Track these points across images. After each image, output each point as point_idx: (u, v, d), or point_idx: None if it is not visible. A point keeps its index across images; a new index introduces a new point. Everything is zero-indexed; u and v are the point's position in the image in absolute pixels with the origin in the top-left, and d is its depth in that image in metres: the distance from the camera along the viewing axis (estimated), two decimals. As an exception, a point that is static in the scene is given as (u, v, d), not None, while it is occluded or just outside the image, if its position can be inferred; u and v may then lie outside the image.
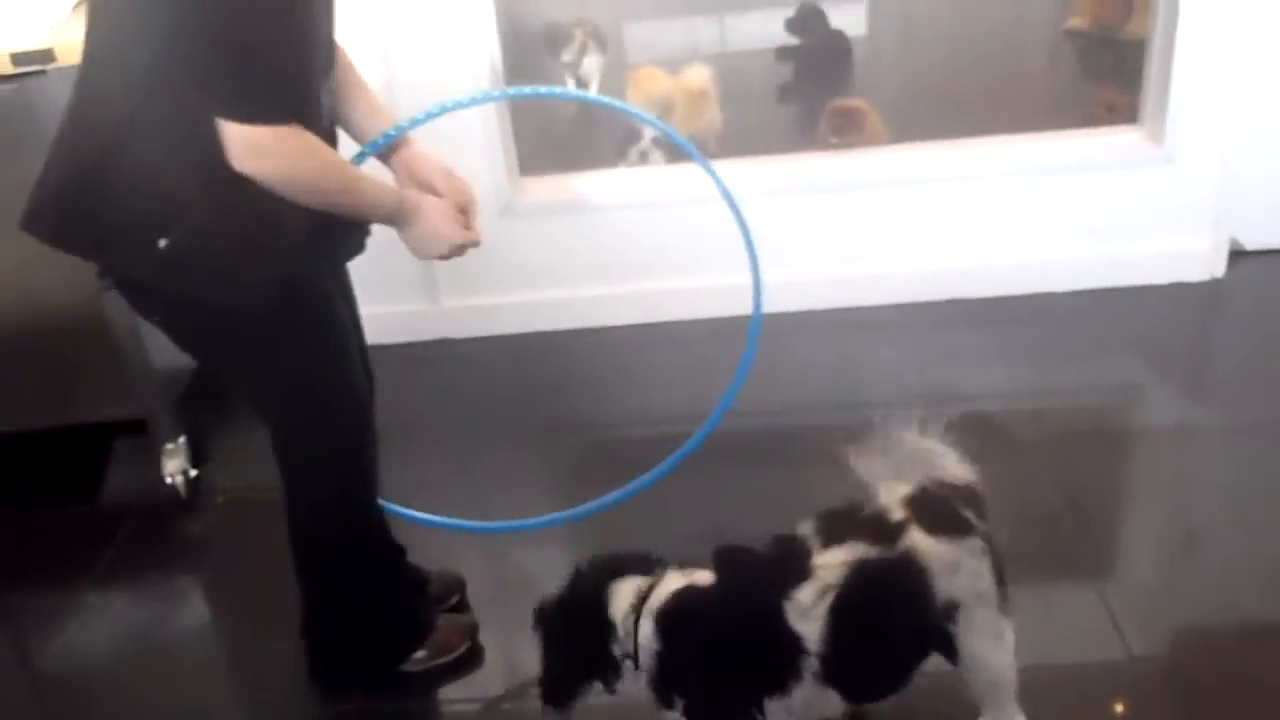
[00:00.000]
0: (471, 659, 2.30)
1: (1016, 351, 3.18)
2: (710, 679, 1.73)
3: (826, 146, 3.52)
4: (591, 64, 4.01)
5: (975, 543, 1.76)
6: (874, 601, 1.69)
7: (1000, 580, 1.78)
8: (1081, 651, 2.21)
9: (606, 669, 1.80)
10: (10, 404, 2.86)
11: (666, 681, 1.75)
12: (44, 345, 2.77)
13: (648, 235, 3.35)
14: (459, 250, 1.97)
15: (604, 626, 1.78)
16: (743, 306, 3.21)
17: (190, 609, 2.67)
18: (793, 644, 1.68)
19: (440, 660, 2.27)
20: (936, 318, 3.34)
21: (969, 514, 1.79)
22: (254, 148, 1.68)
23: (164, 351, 2.76)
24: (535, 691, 1.90)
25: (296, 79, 1.75)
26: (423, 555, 2.37)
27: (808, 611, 1.68)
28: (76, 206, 1.81)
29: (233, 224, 1.77)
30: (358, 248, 2.10)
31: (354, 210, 1.86)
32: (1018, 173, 3.32)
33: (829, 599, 1.68)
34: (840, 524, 1.78)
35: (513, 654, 2.32)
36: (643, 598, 1.77)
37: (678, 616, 1.74)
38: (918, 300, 3.39)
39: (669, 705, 1.77)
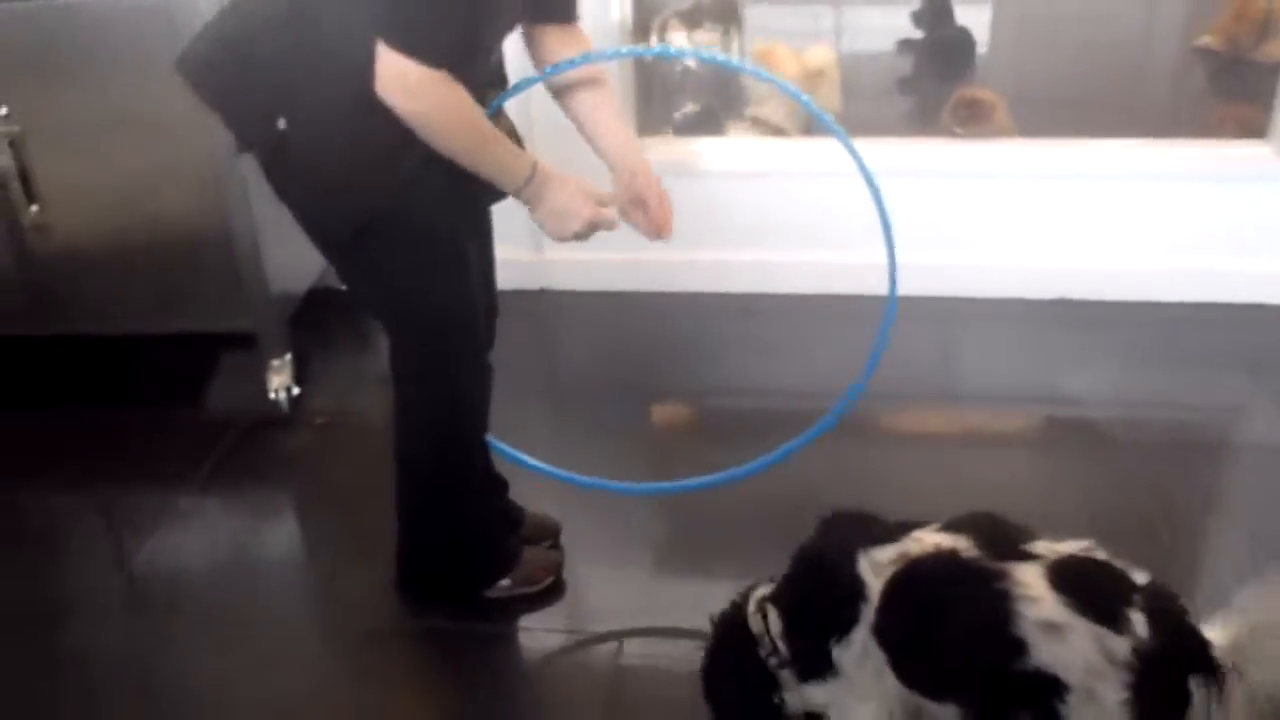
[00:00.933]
0: (553, 593, 2.35)
1: (1121, 357, 3.13)
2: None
3: (950, 135, 3.48)
4: (724, 42, 4.02)
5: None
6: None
7: None
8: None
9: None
10: (131, 307, 2.95)
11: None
12: (168, 253, 2.85)
13: (759, 205, 3.35)
14: (591, 229, 1.92)
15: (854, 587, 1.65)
16: (848, 285, 3.24)
17: (282, 522, 2.75)
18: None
19: (523, 590, 2.32)
20: (1042, 316, 3.30)
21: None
22: (400, 80, 1.72)
23: (280, 270, 2.88)
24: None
25: (466, 29, 1.78)
26: (523, 498, 2.44)
27: None
28: (224, 57, 1.87)
29: (351, 136, 1.82)
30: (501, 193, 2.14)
31: (479, 170, 1.86)
32: (1140, 176, 3.28)
33: None
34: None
35: (594, 594, 2.37)
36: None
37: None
38: (1024, 296, 3.35)
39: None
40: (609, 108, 2.07)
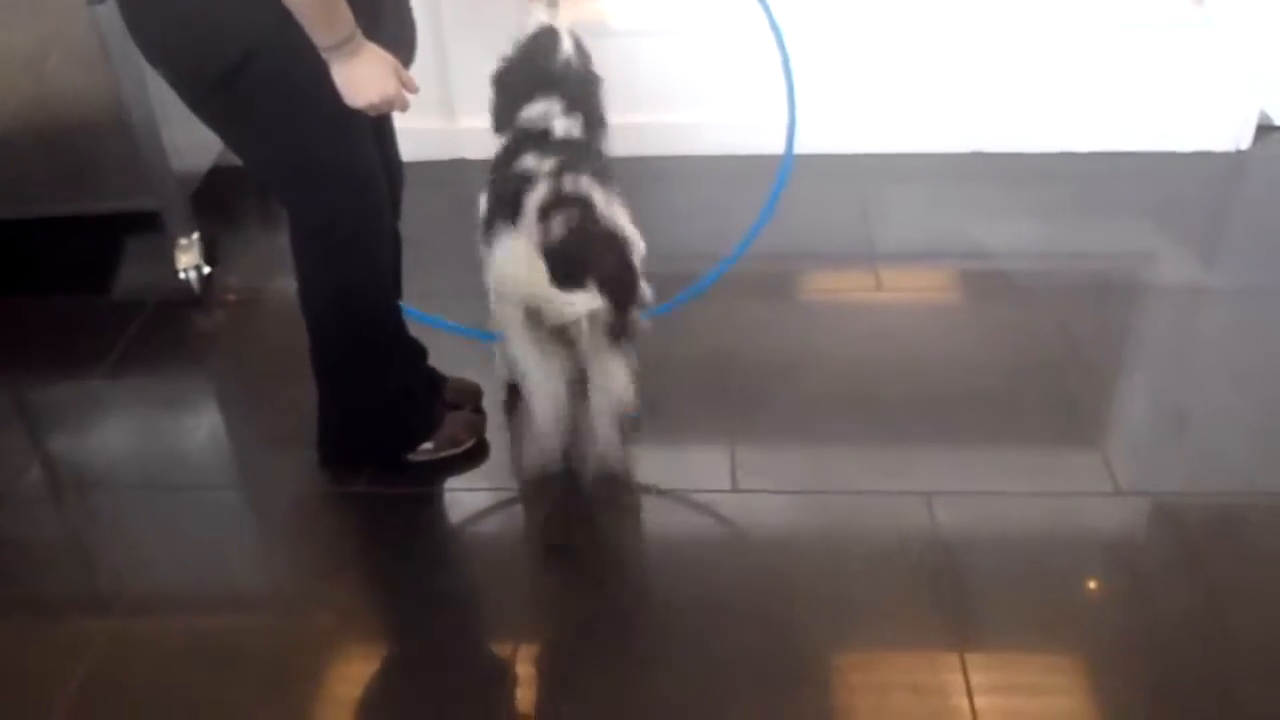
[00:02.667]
0: (476, 454, 2.36)
1: (1033, 208, 3.17)
2: None
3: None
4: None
5: None
6: None
7: None
8: (1072, 483, 2.26)
9: None
10: (27, 189, 2.85)
11: None
12: (60, 131, 2.74)
13: (671, 64, 3.30)
14: (387, 104, 1.90)
15: None
16: (762, 145, 3.22)
17: (200, 401, 2.70)
18: None
19: (446, 452, 2.33)
20: (957, 169, 3.32)
21: None
22: None
23: (181, 146, 2.79)
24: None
25: None
26: (442, 363, 2.43)
27: None
28: None
29: None
30: (406, 60, 2.06)
31: (310, 19, 1.78)
32: (1051, 24, 3.26)
33: None
34: None
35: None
36: None
37: None
38: (939, 151, 3.37)
39: None
40: None
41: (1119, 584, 2.07)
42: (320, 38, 1.80)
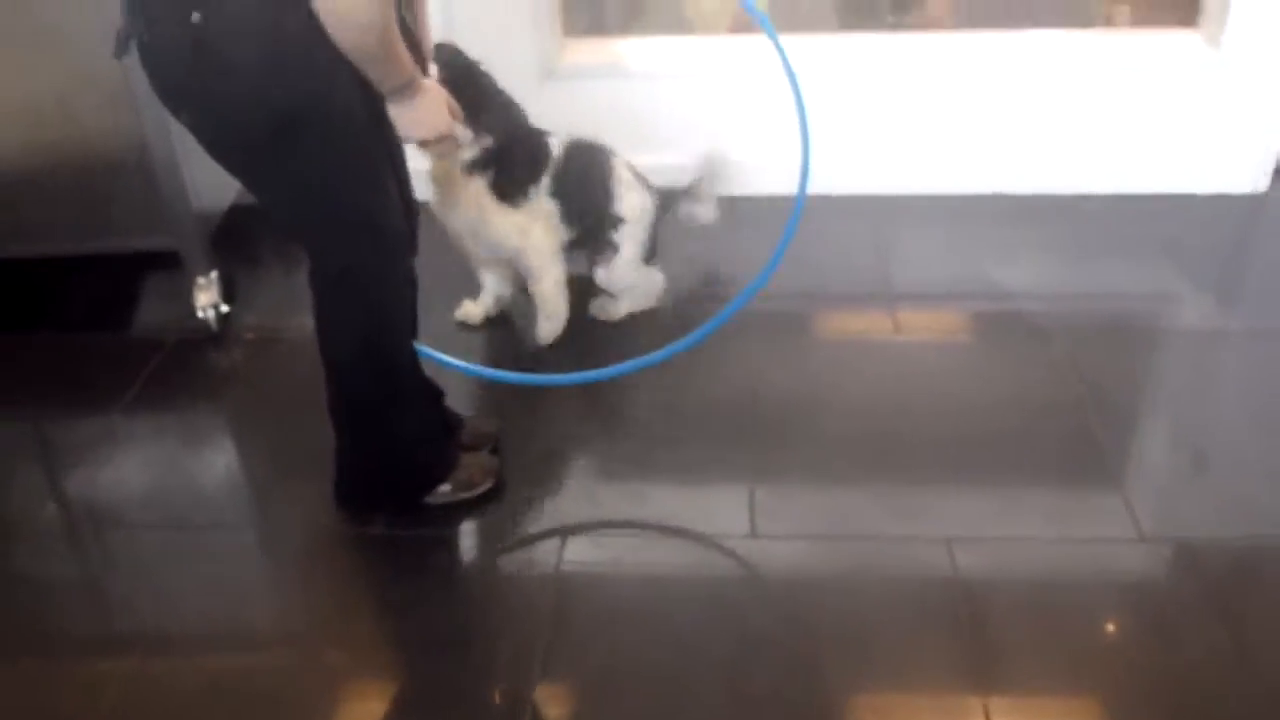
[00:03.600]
0: (492, 497, 2.35)
1: (1052, 249, 3.16)
2: None
3: (884, 26, 3.46)
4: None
5: None
6: None
7: None
8: (1094, 527, 2.25)
9: None
10: (50, 227, 2.87)
11: None
12: (83, 169, 2.77)
13: (690, 107, 3.31)
14: (441, 142, 2.02)
15: None
16: (780, 186, 3.22)
17: (217, 439, 2.70)
18: None
19: (463, 495, 2.32)
20: (975, 210, 3.32)
21: None
22: None
23: (200, 185, 2.81)
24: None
25: None
26: (459, 404, 2.45)
27: None
28: None
29: (269, 26, 1.75)
30: None
31: (377, 68, 1.83)
32: (1070, 68, 3.27)
33: None
34: None
35: (532, 496, 2.37)
36: None
37: None
38: (957, 192, 3.37)
39: None
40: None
41: (1142, 628, 2.04)
42: (383, 83, 1.86)
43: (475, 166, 2.59)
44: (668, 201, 2.92)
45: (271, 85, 1.81)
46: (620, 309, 2.93)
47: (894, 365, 2.75)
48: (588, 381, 2.48)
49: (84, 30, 2.51)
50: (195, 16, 1.74)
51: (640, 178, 2.87)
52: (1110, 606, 2.10)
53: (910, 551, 2.19)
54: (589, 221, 2.79)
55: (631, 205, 2.82)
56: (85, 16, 2.51)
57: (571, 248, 2.82)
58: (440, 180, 2.65)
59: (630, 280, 2.89)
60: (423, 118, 1.95)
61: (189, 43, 1.77)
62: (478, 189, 2.62)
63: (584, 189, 2.77)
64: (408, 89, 1.89)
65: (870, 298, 2.98)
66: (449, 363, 2.41)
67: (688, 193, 2.97)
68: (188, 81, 1.85)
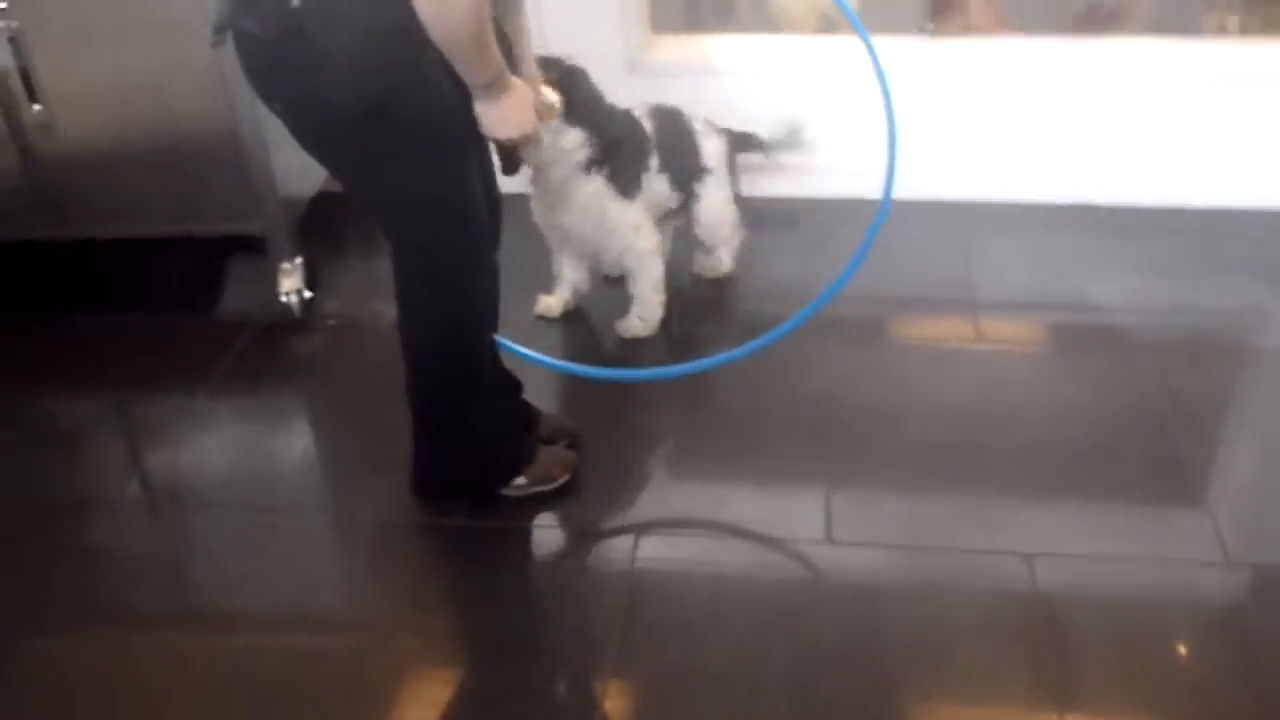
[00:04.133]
0: (569, 491, 2.35)
1: (1141, 263, 3.09)
2: None
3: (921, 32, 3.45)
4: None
5: None
6: None
7: None
8: (1179, 549, 2.19)
9: None
10: (138, 209, 2.92)
11: None
12: (175, 153, 2.82)
13: (775, 106, 3.28)
14: (525, 140, 2.01)
15: None
16: (865, 189, 3.19)
17: (297, 424, 2.75)
18: None
19: (539, 488, 2.33)
20: (1063, 220, 3.25)
21: None
22: None
23: (287, 171, 2.84)
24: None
25: None
26: (538, 398, 2.45)
27: None
28: None
29: (366, 10, 1.77)
30: None
31: (468, 60, 1.83)
32: (1164, 77, 3.20)
33: None
34: None
35: (609, 492, 2.37)
36: None
37: None
38: (1046, 201, 3.30)
39: None
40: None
41: (1226, 655, 1.99)
42: (473, 77, 1.86)
43: (591, 165, 2.62)
44: (739, 144, 3.01)
45: (364, 74, 1.82)
46: (724, 261, 3.02)
47: (976, 374, 2.71)
48: (668, 377, 2.49)
49: (180, 18, 2.56)
50: (295, 2, 1.76)
51: (709, 123, 2.93)
52: (1193, 630, 2.05)
53: (989, 565, 2.16)
54: (685, 180, 2.84)
55: (713, 151, 2.89)
56: (182, 5, 2.55)
57: (672, 216, 2.89)
58: (547, 182, 2.66)
59: (730, 221, 2.96)
60: (508, 115, 1.94)
61: (286, 29, 1.79)
62: (596, 188, 2.65)
63: (678, 153, 2.82)
64: (495, 86, 1.89)
65: (954, 304, 2.94)
66: (529, 356, 2.41)
67: (763, 143, 3.07)
68: (282, 69, 1.87)
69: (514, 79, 1.94)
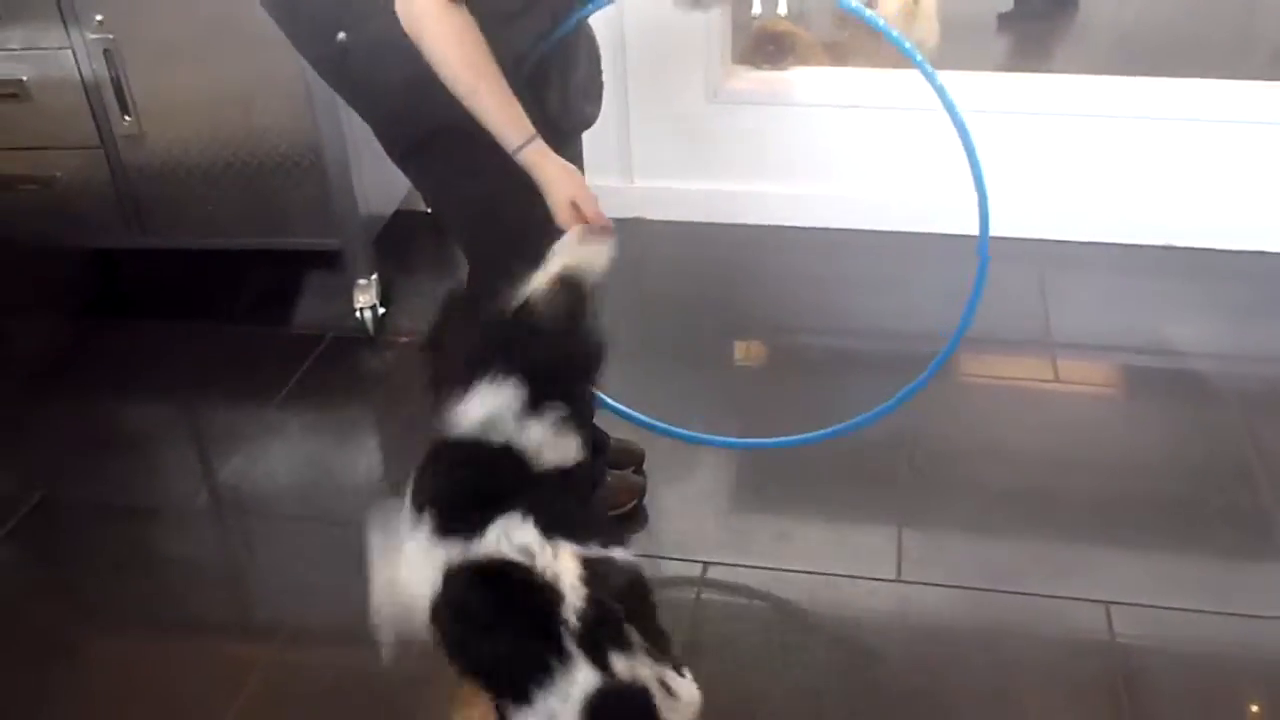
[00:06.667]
0: (635, 517, 2.34)
1: (1223, 307, 3.02)
2: None
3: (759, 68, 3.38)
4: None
5: None
6: None
7: None
8: (1263, 605, 2.13)
9: None
10: (222, 221, 2.97)
11: None
12: (259, 168, 2.86)
13: (853, 138, 3.27)
14: (584, 203, 1.79)
15: None
16: (933, 224, 3.17)
17: (365, 438, 2.77)
18: None
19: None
20: (1144, 262, 3.19)
21: None
22: (409, 7, 1.70)
23: (368, 189, 2.88)
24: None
25: None
26: (606, 423, 2.38)
27: None
28: None
29: (410, 51, 1.78)
30: (587, 120, 2.10)
31: (492, 122, 1.77)
32: (1249, 121, 3.13)
33: None
34: None
35: (675, 522, 2.36)
36: None
37: None
38: (1128, 241, 3.24)
39: None
40: None
41: (1308, 717, 1.93)
42: (504, 140, 1.79)
43: None
44: None
45: (411, 105, 1.84)
46: None
47: (1053, 416, 2.66)
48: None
49: (270, 34, 2.57)
50: (340, 35, 1.80)
51: None
52: (1270, 690, 1.98)
53: (1064, 611, 2.10)
54: None
55: None
56: (266, 19, 2.59)
57: None
58: None
59: None
60: (552, 179, 1.79)
61: (332, 60, 1.85)
62: None
63: None
64: (526, 148, 1.78)
65: (1031, 344, 2.89)
66: (614, 408, 2.35)
67: None
68: (343, 93, 1.94)
69: (546, 159, 1.80)
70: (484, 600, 1.46)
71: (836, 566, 2.23)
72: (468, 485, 1.56)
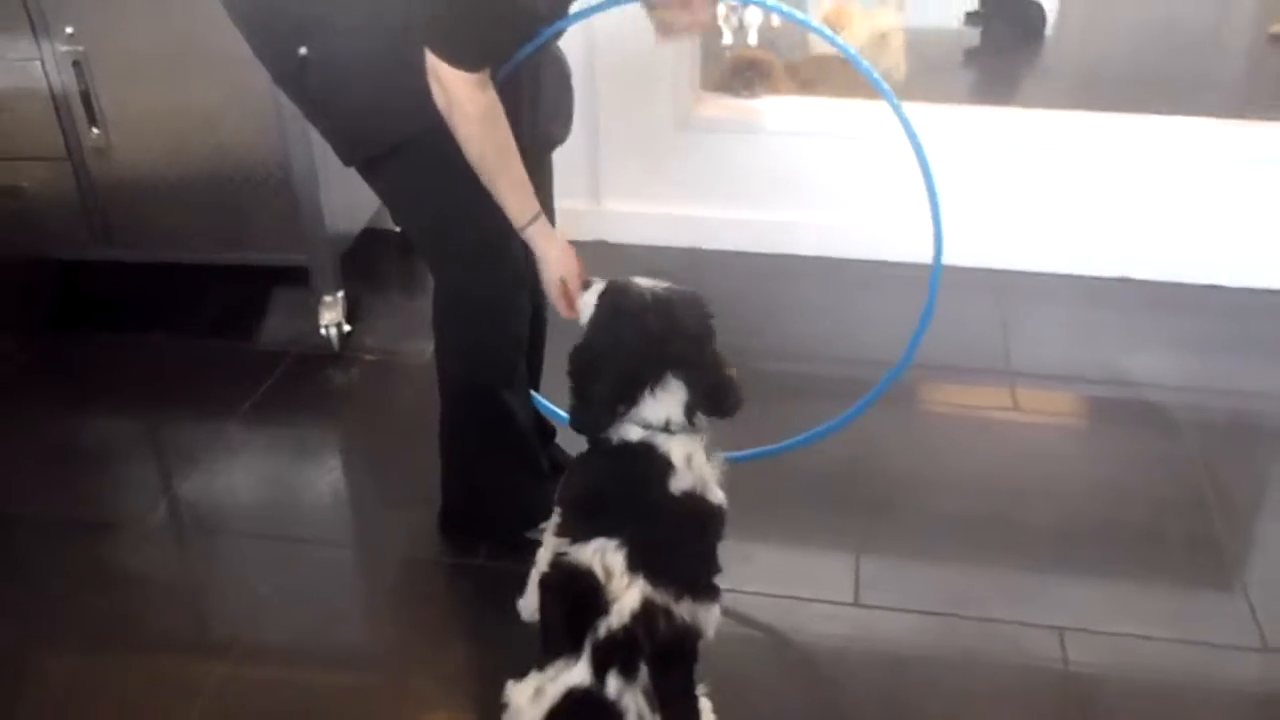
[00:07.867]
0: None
1: (1182, 340, 3.07)
2: None
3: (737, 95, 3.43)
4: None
5: None
6: None
7: None
8: (1216, 633, 2.15)
9: None
10: (188, 235, 2.96)
11: None
12: (227, 183, 2.85)
13: (818, 166, 3.30)
14: (569, 284, 1.96)
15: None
16: (895, 252, 3.20)
17: (328, 456, 2.75)
18: None
19: (566, 534, 2.31)
20: (1102, 293, 3.24)
21: None
22: (442, 83, 1.74)
23: (336, 206, 2.87)
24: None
25: (503, 42, 1.83)
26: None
27: None
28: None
29: (373, 77, 1.83)
30: (553, 140, 2.14)
31: (504, 198, 1.88)
32: (1209, 157, 3.19)
33: None
34: None
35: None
36: None
37: None
38: (1085, 273, 3.29)
39: None
40: None
41: (1261, 745, 1.95)
42: (513, 217, 1.89)
43: None
44: None
45: (370, 121, 1.88)
46: None
47: (1011, 445, 2.69)
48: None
49: (240, 52, 2.57)
50: (302, 50, 1.82)
51: None
52: (1229, 716, 2.01)
53: (1020, 637, 2.12)
54: None
55: None
56: (237, 36, 2.59)
57: None
58: None
59: None
60: (551, 258, 1.94)
61: (291, 74, 1.88)
62: None
63: None
64: (530, 228, 1.90)
65: (990, 373, 2.92)
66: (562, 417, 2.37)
67: None
68: (301, 106, 1.97)
69: (550, 242, 1.93)
70: (557, 588, 1.69)
71: (795, 590, 2.24)
72: (595, 495, 1.77)
